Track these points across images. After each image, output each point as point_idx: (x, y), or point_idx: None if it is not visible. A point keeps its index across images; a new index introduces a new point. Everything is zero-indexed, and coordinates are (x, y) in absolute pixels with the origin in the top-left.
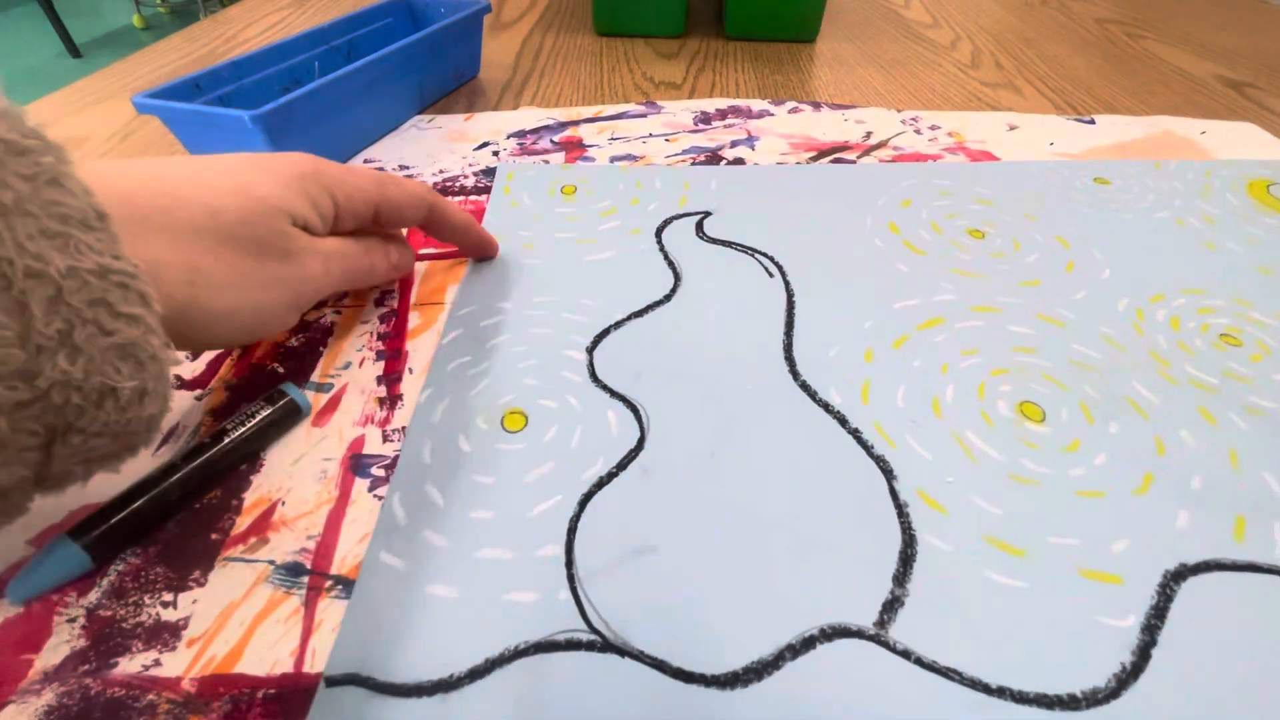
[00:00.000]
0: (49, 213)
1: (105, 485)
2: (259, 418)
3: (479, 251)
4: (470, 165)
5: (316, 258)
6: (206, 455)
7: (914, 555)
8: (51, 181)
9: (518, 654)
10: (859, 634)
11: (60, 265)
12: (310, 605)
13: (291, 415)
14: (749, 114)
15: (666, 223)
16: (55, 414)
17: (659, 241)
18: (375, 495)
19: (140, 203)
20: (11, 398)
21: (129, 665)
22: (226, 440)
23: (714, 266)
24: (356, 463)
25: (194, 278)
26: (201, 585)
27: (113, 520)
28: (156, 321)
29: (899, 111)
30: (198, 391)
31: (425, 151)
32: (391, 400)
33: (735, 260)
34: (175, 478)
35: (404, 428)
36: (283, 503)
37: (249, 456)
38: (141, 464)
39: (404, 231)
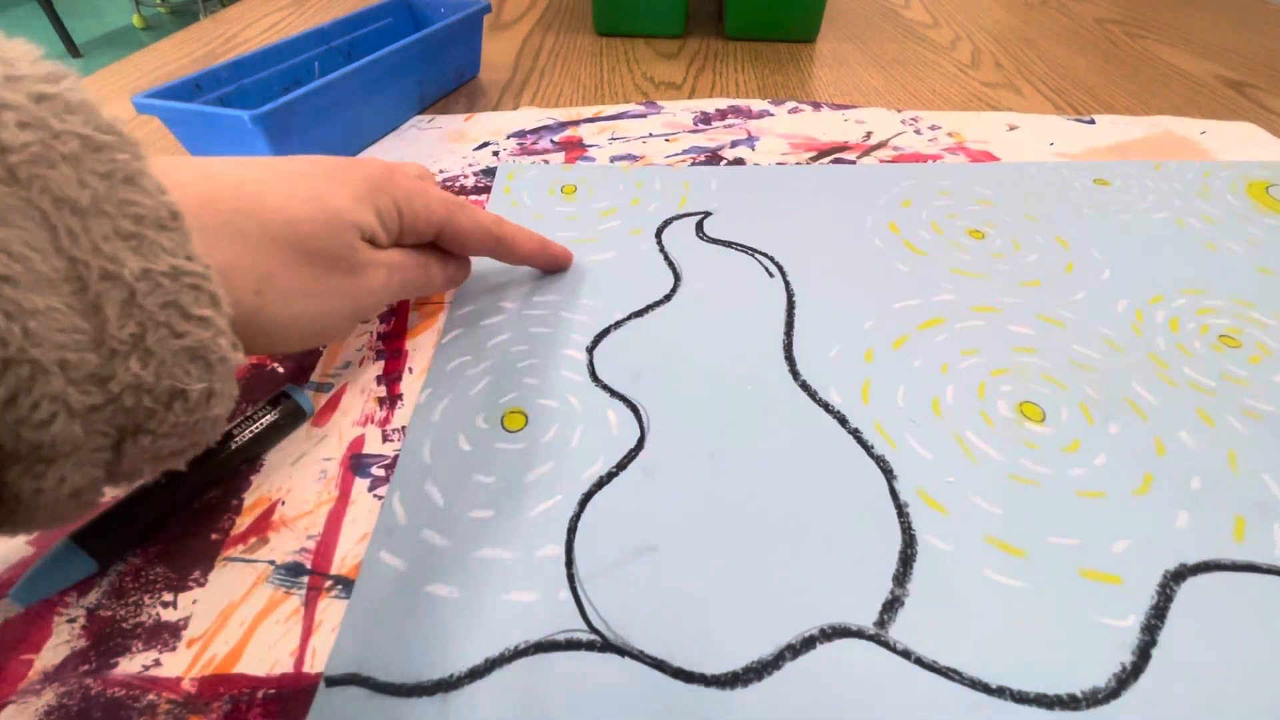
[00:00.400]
0: (124, 212)
1: None
2: (264, 421)
3: (554, 268)
4: (470, 165)
5: (380, 270)
6: (212, 459)
7: (914, 555)
8: (127, 180)
9: (518, 654)
10: (859, 634)
11: (134, 267)
12: (310, 605)
13: (295, 417)
14: (749, 114)
15: (667, 223)
16: (126, 416)
17: (659, 242)
18: (375, 495)
19: (221, 206)
20: (85, 401)
21: (129, 665)
22: (232, 444)
23: (714, 266)
24: (356, 462)
25: (263, 286)
26: (201, 585)
27: (117, 524)
28: (226, 323)
29: (899, 111)
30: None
31: (425, 152)
32: (391, 400)
33: (735, 260)
34: (180, 481)
35: (404, 427)
36: (283, 503)
37: (250, 458)
38: None
39: None
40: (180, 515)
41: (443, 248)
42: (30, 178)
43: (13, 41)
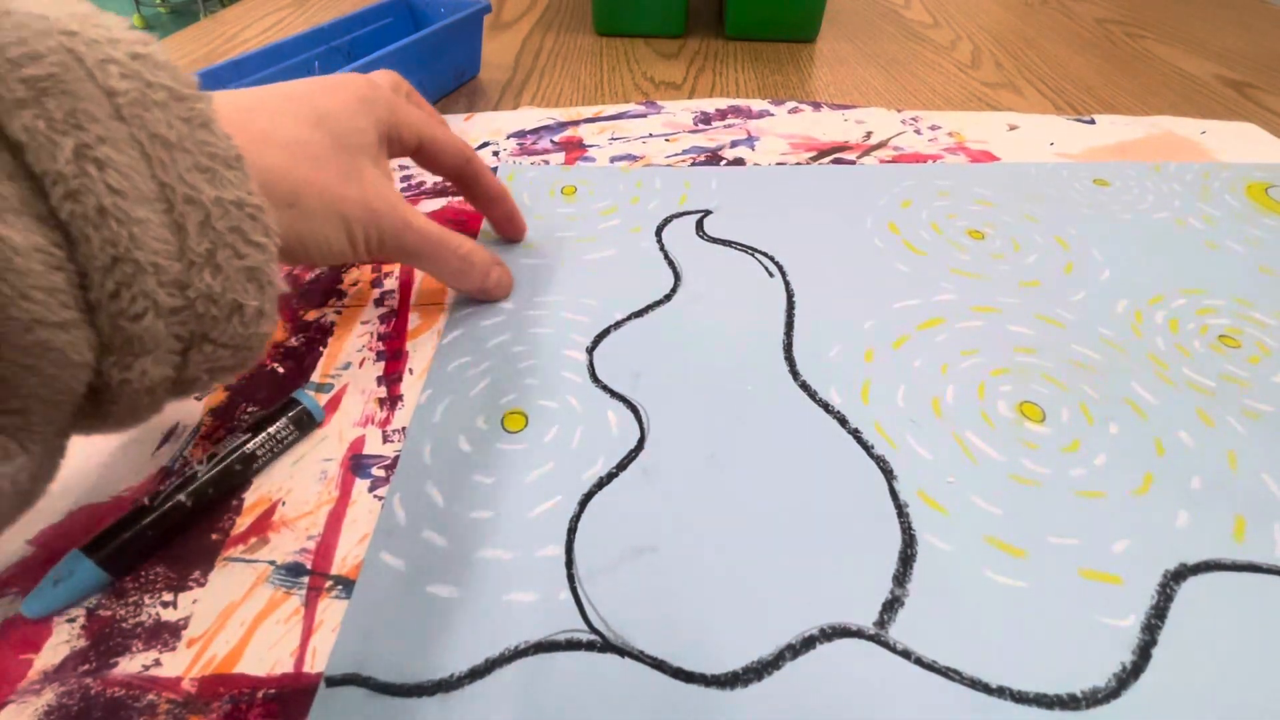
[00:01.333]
0: (202, 151)
1: (107, 485)
2: (276, 429)
3: (509, 225)
4: None
5: (386, 179)
6: (223, 466)
7: (914, 555)
8: (203, 125)
9: (518, 654)
10: (859, 634)
11: (210, 195)
12: (310, 605)
13: (306, 423)
14: (749, 114)
15: (666, 221)
16: (197, 322)
17: (659, 240)
18: (375, 495)
19: (252, 131)
20: (169, 303)
21: (129, 665)
22: (245, 452)
23: (714, 266)
24: (357, 463)
25: (296, 199)
26: (202, 585)
27: (128, 536)
28: (275, 252)
29: (899, 111)
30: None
31: None
32: (392, 400)
33: (735, 260)
34: (193, 489)
35: (404, 428)
36: (283, 503)
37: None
38: (152, 459)
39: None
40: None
41: (419, 163)
42: (132, 117)
43: (107, 13)
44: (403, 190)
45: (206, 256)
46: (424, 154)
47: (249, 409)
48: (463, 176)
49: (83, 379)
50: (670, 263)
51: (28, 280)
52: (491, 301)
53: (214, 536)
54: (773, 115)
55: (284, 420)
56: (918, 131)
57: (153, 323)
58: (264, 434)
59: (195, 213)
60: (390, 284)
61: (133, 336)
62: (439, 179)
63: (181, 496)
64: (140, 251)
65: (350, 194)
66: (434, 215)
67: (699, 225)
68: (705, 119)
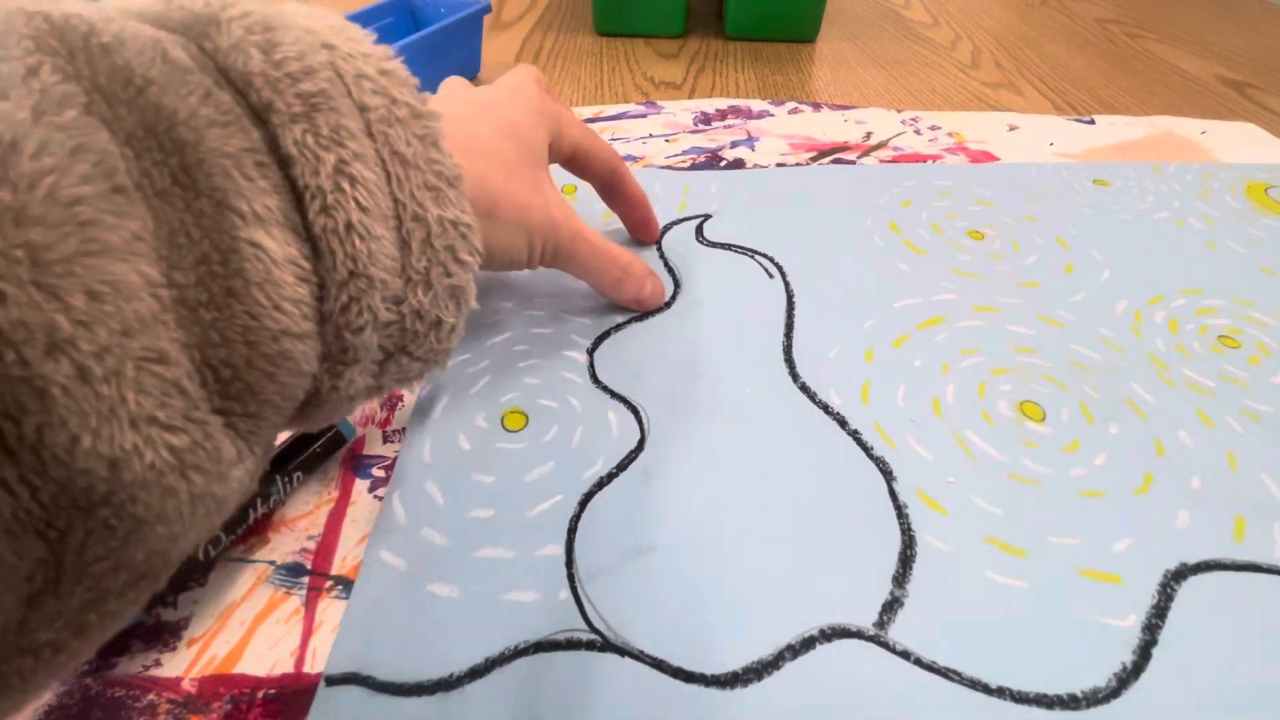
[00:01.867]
0: (431, 169)
1: None
2: (309, 454)
3: (644, 230)
4: None
5: (555, 195)
6: (258, 500)
7: (914, 556)
8: (434, 143)
9: (518, 654)
10: (859, 634)
11: (434, 213)
12: (310, 605)
13: (336, 445)
14: (749, 114)
15: (667, 228)
16: (402, 336)
17: (659, 248)
18: (375, 495)
19: (460, 141)
20: (386, 317)
21: (129, 665)
22: (284, 480)
23: (714, 269)
24: (357, 463)
25: (492, 210)
26: (202, 585)
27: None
28: (477, 270)
29: (899, 112)
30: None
31: None
32: (391, 401)
33: (735, 261)
34: (237, 530)
35: (404, 428)
36: (283, 503)
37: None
38: None
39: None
40: None
41: (568, 169)
42: (379, 134)
43: (353, 25)
44: None
45: (424, 274)
46: (575, 162)
47: None
48: (609, 184)
49: (307, 387)
50: (670, 269)
51: (282, 291)
52: (644, 311)
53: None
54: (773, 115)
55: (319, 448)
56: (918, 132)
57: (369, 336)
58: (301, 466)
59: (419, 230)
60: None
61: (350, 347)
62: None
63: (224, 538)
64: (374, 268)
65: (536, 205)
66: None
67: (699, 230)
68: (705, 119)
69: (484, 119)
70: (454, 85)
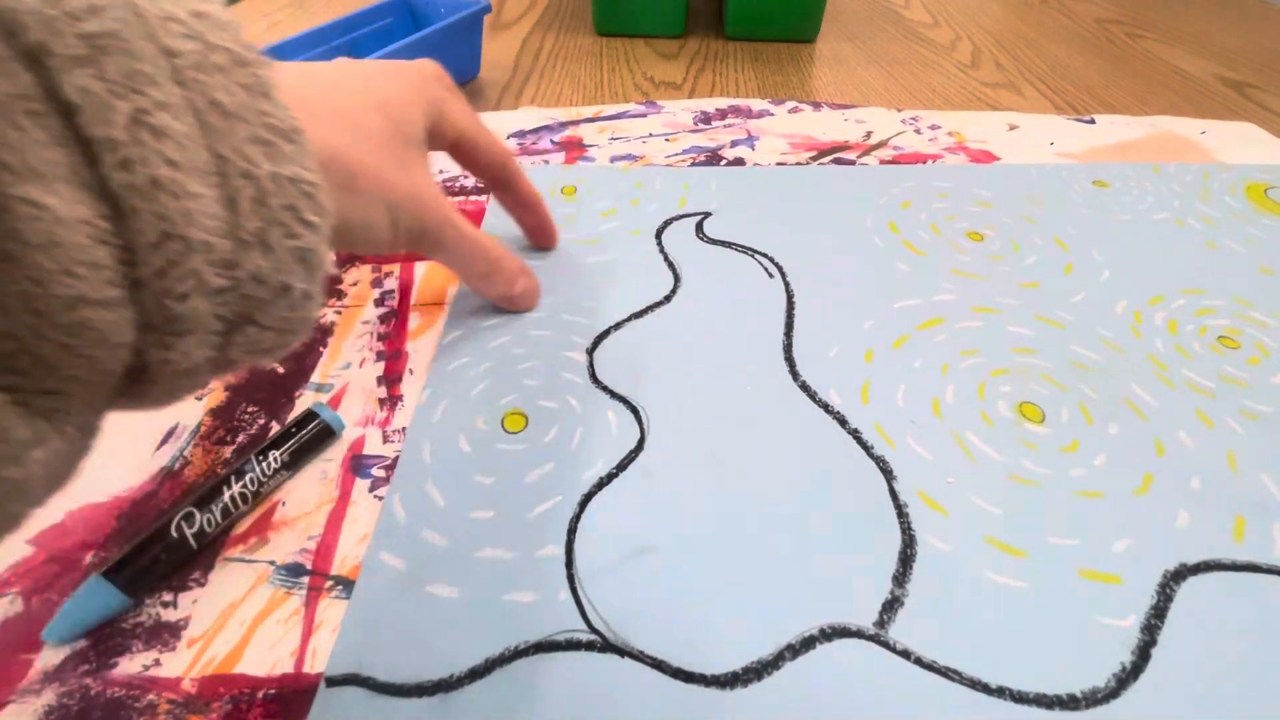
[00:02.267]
0: (261, 121)
1: (107, 485)
2: (299, 448)
3: (541, 234)
4: None
5: (430, 178)
6: (240, 487)
7: (914, 555)
8: (264, 93)
9: (518, 654)
10: (859, 634)
11: (266, 169)
12: (310, 605)
13: (325, 436)
14: (749, 114)
15: (666, 223)
16: (243, 303)
17: (659, 243)
18: (375, 495)
19: (312, 106)
20: (216, 283)
21: (129, 665)
22: (267, 473)
23: (714, 267)
24: (357, 463)
25: (351, 181)
26: (202, 585)
27: (149, 558)
28: (328, 233)
29: (899, 111)
30: (198, 391)
31: None
32: (392, 401)
33: (735, 261)
34: (213, 509)
35: (404, 428)
36: (283, 503)
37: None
38: (152, 458)
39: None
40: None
41: (455, 159)
42: (191, 80)
43: None
44: None
45: (258, 235)
46: (461, 151)
47: (249, 409)
48: (498, 179)
49: (123, 359)
50: (670, 264)
51: (72, 255)
52: (516, 311)
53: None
54: (773, 115)
55: (306, 439)
56: (918, 131)
57: (198, 303)
58: (287, 453)
59: (249, 188)
60: (390, 284)
61: (176, 316)
62: (440, 178)
63: (206, 524)
64: (192, 228)
65: (402, 183)
66: None
67: (699, 227)
68: (705, 119)
69: (351, 89)
70: (339, 61)
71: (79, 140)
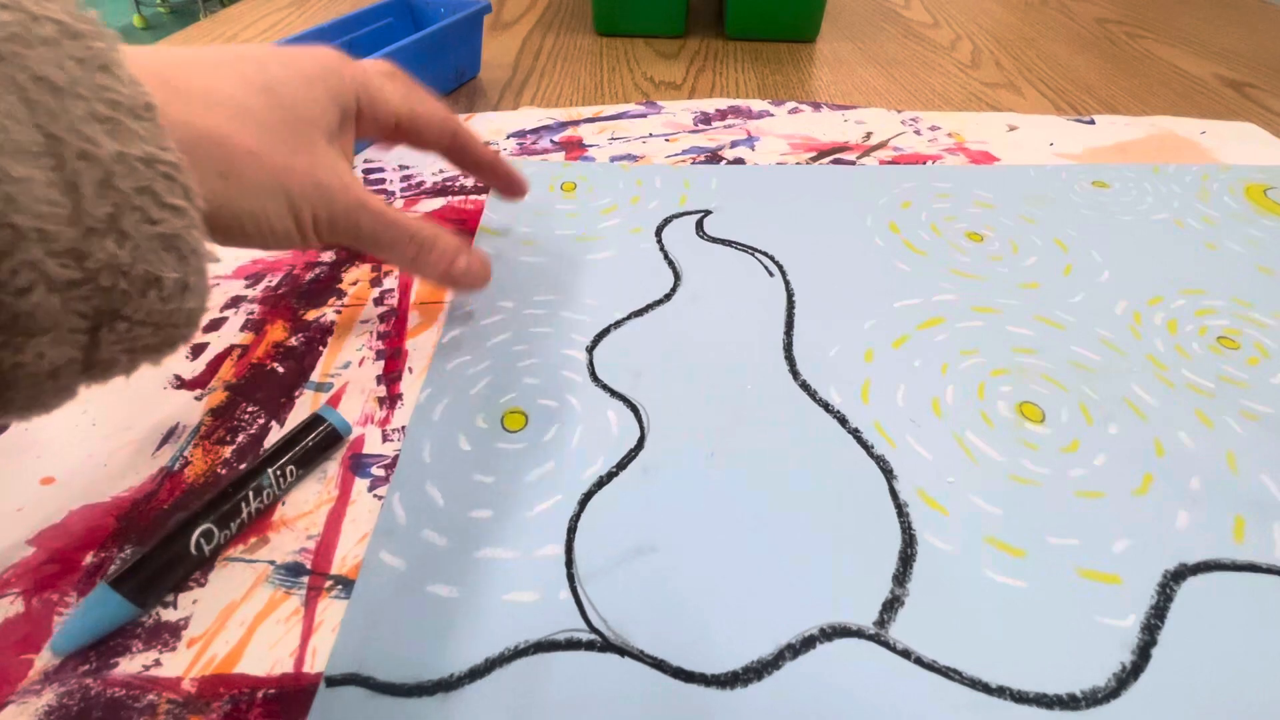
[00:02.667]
0: (100, 97)
1: (106, 485)
2: (306, 454)
3: (508, 185)
4: None
5: (342, 159)
6: (250, 493)
7: (914, 555)
8: (103, 67)
9: (518, 654)
10: (859, 634)
11: (110, 149)
12: (310, 605)
13: (332, 442)
14: (749, 114)
15: (667, 221)
16: (103, 297)
17: (659, 240)
18: (375, 495)
19: (180, 85)
20: (64, 275)
21: (129, 665)
22: (280, 479)
23: (714, 266)
24: (356, 462)
25: (230, 168)
26: (201, 585)
27: (156, 567)
28: (199, 217)
29: (899, 112)
30: (197, 391)
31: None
32: (391, 400)
33: (735, 260)
34: (230, 526)
35: (404, 427)
36: (283, 503)
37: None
38: (152, 458)
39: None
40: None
41: (407, 143)
42: (10, 54)
43: None
44: (402, 190)
45: (109, 222)
46: (407, 132)
47: (249, 409)
48: (452, 149)
49: None
50: (670, 263)
51: None
52: (463, 290)
53: None
54: (773, 115)
55: (313, 445)
56: (917, 132)
57: (44, 298)
58: (294, 461)
59: (92, 170)
60: (390, 282)
61: (20, 314)
62: (439, 178)
63: (217, 532)
64: (20, 215)
65: (297, 167)
66: (434, 215)
67: (699, 225)
68: (705, 119)
69: (233, 69)
70: (231, 45)
71: None
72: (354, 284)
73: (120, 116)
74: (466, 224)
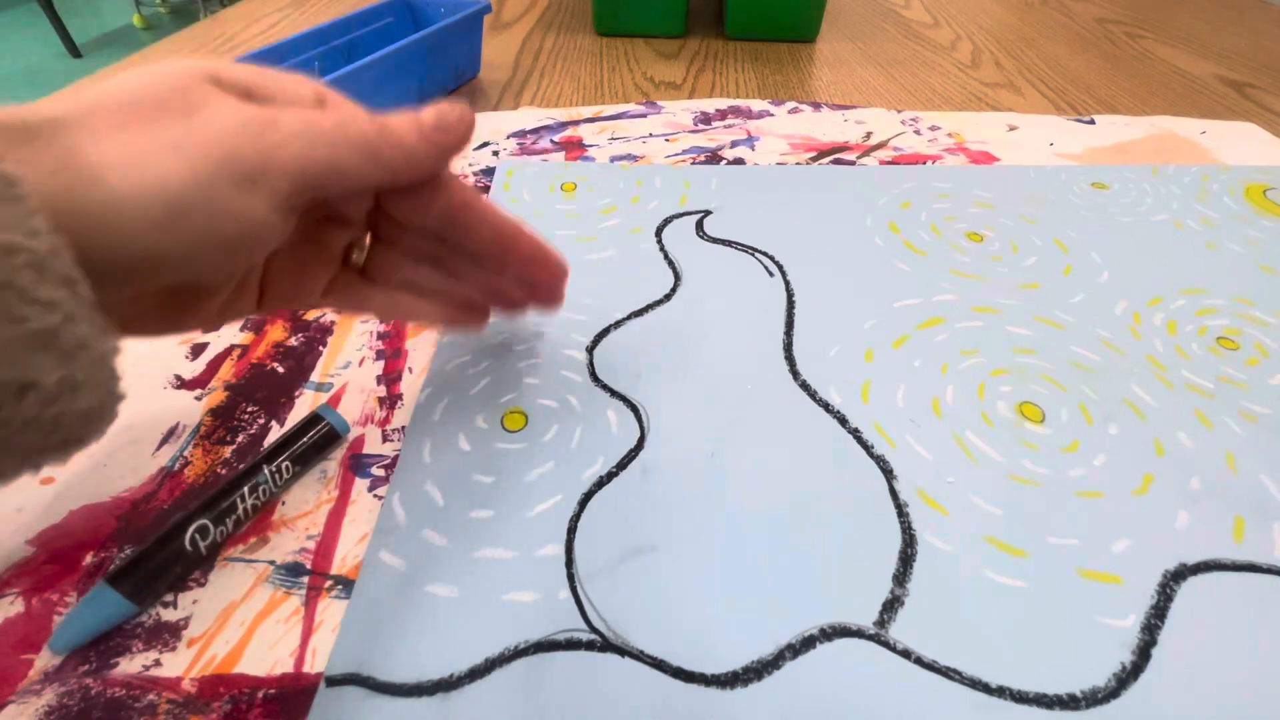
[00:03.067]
0: None
1: (106, 485)
2: (304, 452)
3: (547, 290)
4: (470, 165)
5: (229, 102)
6: (254, 499)
7: (914, 555)
8: None
9: (518, 654)
10: (859, 634)
11: None
12: (310, 605)
13: (330, 441)
14: (749, 114)
15: (667, 221)
16: None
17: (659, 240)
18: (375, 495)
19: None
20: None
21: (129, 665)
22: (276, 476)
23: (714, 266)
24: (356, 462)
25: (66, 161)
26: (202, 585)
27: (154, 565)
28: (85, 306)
29: (899, 112)
30: (197, 391)
31: None
32: (391, 400)
33: (735, 260)
34: (226, 523)
35: (404, 427)
36: (282, 503)
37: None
38: (152, 459)
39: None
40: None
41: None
42: None
43: None
44: None
45: None
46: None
47: (249, 409)
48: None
49: None
50: (670, 263)
51: None
52: (447, 149)
53: None
54: (773, 115)
55: (312, 444)
56: (917, 132)
57: None
58: (291, 459)
59: None
60: None
61: None
62: None
63: (214, 531)
64: None
65: (194, 137)
66: None
67: (699, 225)
68: (705, 119)
69: (76, 99)
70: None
71: None
72: None
73: None
74: None
